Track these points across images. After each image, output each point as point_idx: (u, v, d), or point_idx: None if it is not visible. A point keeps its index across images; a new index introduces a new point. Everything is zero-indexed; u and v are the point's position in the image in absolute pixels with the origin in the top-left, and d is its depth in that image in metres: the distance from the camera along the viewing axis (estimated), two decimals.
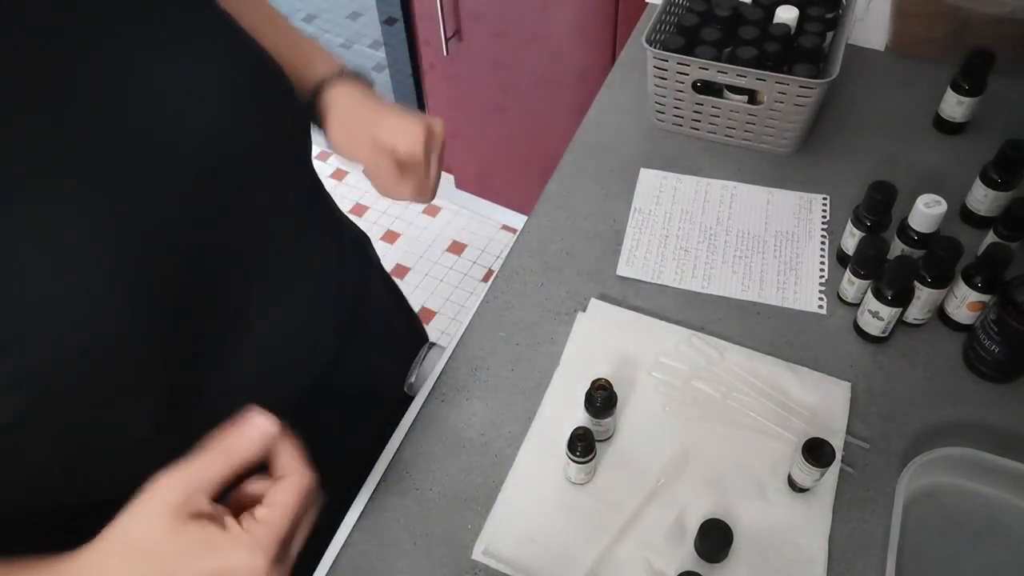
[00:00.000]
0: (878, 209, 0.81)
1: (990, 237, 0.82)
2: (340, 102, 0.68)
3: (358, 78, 0.71)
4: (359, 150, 0.68)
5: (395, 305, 0.87)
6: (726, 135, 0.99)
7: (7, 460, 0.47)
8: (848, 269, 0.81)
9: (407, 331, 0.88)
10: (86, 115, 0.46)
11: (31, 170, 0.43)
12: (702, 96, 0.96)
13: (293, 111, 0.63)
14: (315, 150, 0.68)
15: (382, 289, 0.83)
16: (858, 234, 0.82)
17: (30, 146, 0.43)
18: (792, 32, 0.97)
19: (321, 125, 0.69)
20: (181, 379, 0.54)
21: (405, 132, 0.66)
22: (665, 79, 0.96)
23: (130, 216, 0.46)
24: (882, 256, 0.78)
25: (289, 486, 0.42)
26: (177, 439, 0.54)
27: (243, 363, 0.59)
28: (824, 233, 0.90)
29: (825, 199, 0.94)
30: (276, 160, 0.59)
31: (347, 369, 0.71)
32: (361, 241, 0.79)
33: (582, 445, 0.67)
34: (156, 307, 0.48)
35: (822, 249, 0.89)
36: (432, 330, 1.99)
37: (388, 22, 1.79)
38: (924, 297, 0.77)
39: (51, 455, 0.49)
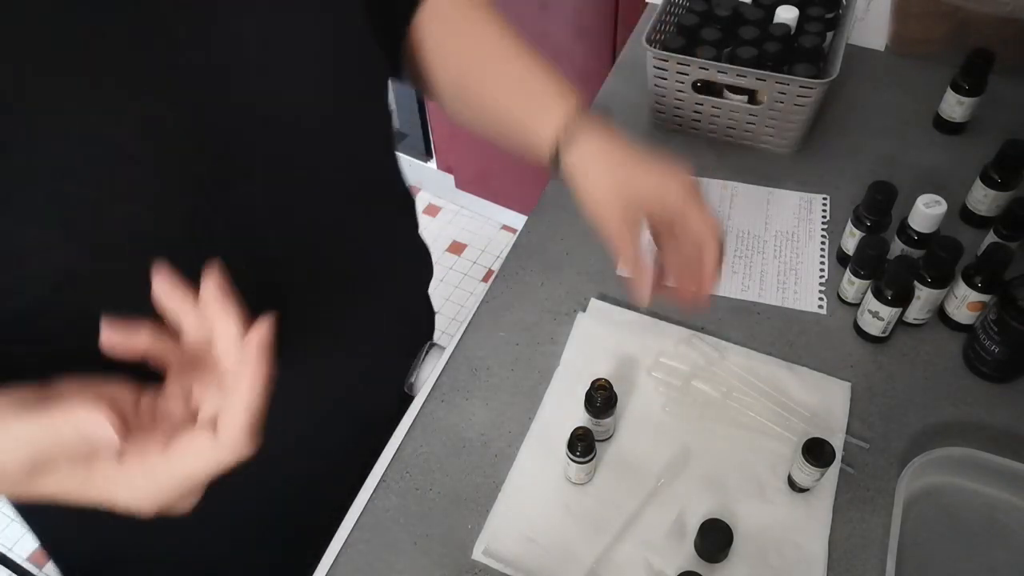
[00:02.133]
0: (878, 209, 0.81)
1: (990, 237, 0.82)
2: (587, 167, 0.61)
3: (597, 119, 0.63)
4: (609, 223, 0.61)
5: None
6: (726, 135, 0.99)
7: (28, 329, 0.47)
8: (848, 269, 0.81)
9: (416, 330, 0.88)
10: (174, 53, 0.45)
11: (112, 80, 0.43)
12: (702, 96, 0.96)
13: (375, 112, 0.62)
14: None
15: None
16: (858, 234, 0.82)
17: (114, 63, 0.43)
18: (792, 32, 0.97)
19: (569, 182, 0.63)
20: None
21: (656, 188, 0.60)
22: (665, 79, 0.96)
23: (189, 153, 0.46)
24: (882, 256, 0.78)
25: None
26: None
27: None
28: (824, 233, 0.90)
29: (825, 199, 0.94)
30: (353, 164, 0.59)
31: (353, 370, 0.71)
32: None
33: (582, 445, 0.67)
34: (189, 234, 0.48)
35: (822, 249, 0.89)
36: None
37: None
38: (924, 297, 0.77)
39: (68, 337, 0.49)
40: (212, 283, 0.41)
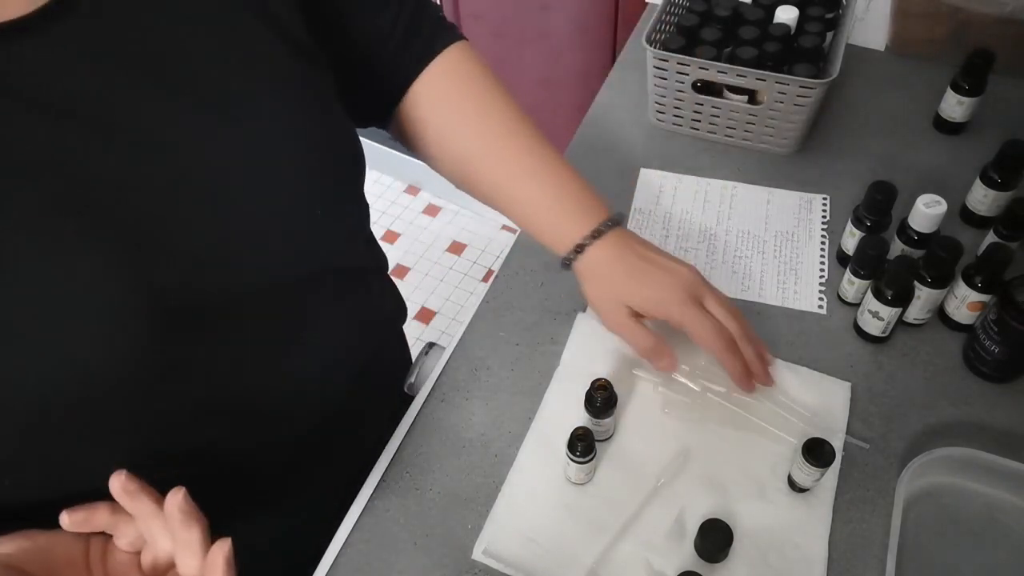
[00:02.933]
0: (878, 209, 0.81)
1: (990, 237, 0.82)
2: (593, 272, 0.67)
3: (619, 229, 0.67)
4: (614, 324, 0.67)
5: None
6: (726, 135, 0.99)
7: None
8: (848, 269, 0.81)
9: (400, 357, 0.88)
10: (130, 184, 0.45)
11: (64, 222, 0.42)
12: (702, 96, 0.96)
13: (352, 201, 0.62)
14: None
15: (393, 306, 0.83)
16: (858, 234, 0.82)
17: (54, 193, 0.42)
18: (792, 32, 0.97)
19: (577, 279, 0.68)
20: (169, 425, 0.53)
21: (657, 304, 0.65)
22: (665, 79, 0.96)
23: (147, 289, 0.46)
24: (882, 256, 0.78)
25: None
26: (158, 473, 0.55)
27: (240, 417, 0.59)
28: (824, 233, 0.90)
29: (825, 199, 0.94)
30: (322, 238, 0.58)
31: (347, 406, 0.71)
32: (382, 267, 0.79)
33: (582, 445, 0.67)
34: (159, 354, 0.48)
35: (822, 249, 0.89)
36: (432, 330, 2.00)
37: None
38: (924, 297, 0.77)
39: (35, 477, 0.49)
40: (176, 496, 0.42)
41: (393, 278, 0.80)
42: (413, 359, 0.84)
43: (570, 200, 0.67)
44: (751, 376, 0.69)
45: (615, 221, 0.67)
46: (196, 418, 0.54)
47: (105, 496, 0.46)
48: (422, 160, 0.72)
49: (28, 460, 0.48)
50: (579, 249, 0.65)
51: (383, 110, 0.69)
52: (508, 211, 0.69)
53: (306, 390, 0.63)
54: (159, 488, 0.44)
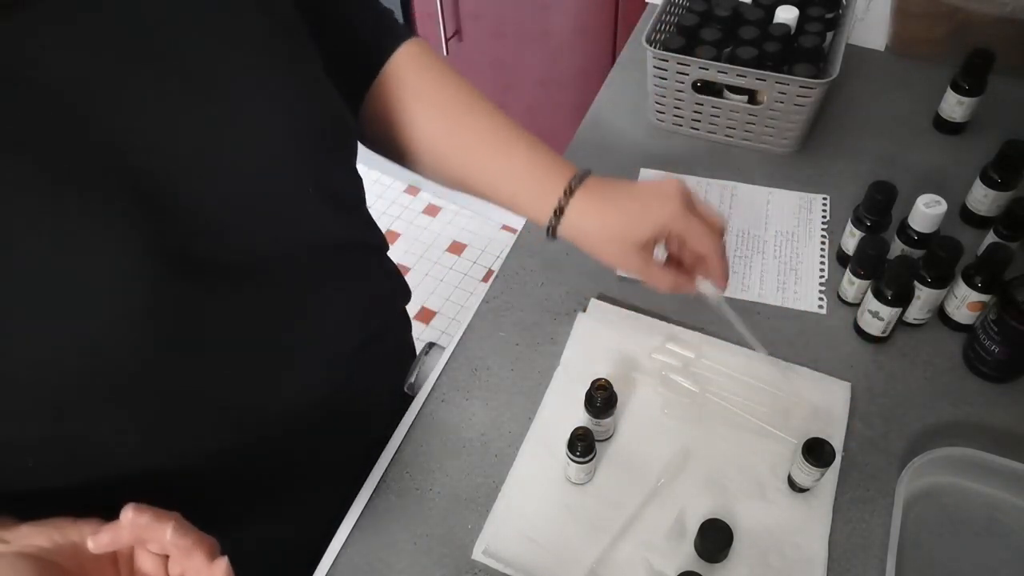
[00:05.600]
0: (878, 209, 0.81)
1: (990, 237, 0.82)
2: (581, 228, 0.65)
3: (588, 180, 0.66)
4: (633, 269, 0.66)
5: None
6: (726, 135, 0.99)
7: None
8: (848, 269, 0.81)
9: (404, 343, 0.88)
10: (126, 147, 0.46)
11: (63, 188, 0.43)
12: (702, 96, 0.96)
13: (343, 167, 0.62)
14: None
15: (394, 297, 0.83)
16: (858, 234, 0.82)
17: (56, 168, 0.43)
18: (792, 32, 0.97)
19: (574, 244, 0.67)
20: (174, 396, 0.54)
21: (663, 227, 0.63)
22: (665, 79, 0.96)
23: (147, 252, 0.46)
24: (882, 256, 0.78)
25: None
26: (167, 453, 0.55)
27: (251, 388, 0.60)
28: (824, 233, 0.90)
29: (825, 199, 0.94)
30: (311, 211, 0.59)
31: (347, 387, 0.71)
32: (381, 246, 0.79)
33: (582, 445, 0.67)
34: (162, 331, 0.48)
35: (822, 249, 0.89)
36: (432, 330, 2.00)
37: None
38: (924, 297, 0.77)
39: (35, 454, 0.50)
40: (165, 530, 0.44)
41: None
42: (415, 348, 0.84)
43: (539, 168, 0.67)
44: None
45: (583, 175, 0.66)
46: (202, 396, 0.55)
47: (127, 480, 0.47)
48: (392, 159, 0.73)
49: (48, 439, 0.49)
50: (559, 212, 0.65)
51: (354, 98, 0.69)
52: (483, 192, 0.69)
53: (308, 366, 0.63)
54: (171, 475, 0.46)
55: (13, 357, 0.43)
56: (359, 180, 0.67)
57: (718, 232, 0.65)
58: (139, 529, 0.44)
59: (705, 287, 0.68)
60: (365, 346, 0.70)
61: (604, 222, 0.64)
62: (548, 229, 0.66)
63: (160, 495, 0.46)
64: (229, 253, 0.52)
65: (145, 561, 0.46)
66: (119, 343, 0.46)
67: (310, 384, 0.65)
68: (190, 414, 0.55)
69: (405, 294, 0.81)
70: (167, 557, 0.47)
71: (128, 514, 0.44)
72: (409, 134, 0.69)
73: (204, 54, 0.49)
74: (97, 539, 0.44)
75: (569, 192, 0.64)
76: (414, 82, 0.68)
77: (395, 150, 0.71)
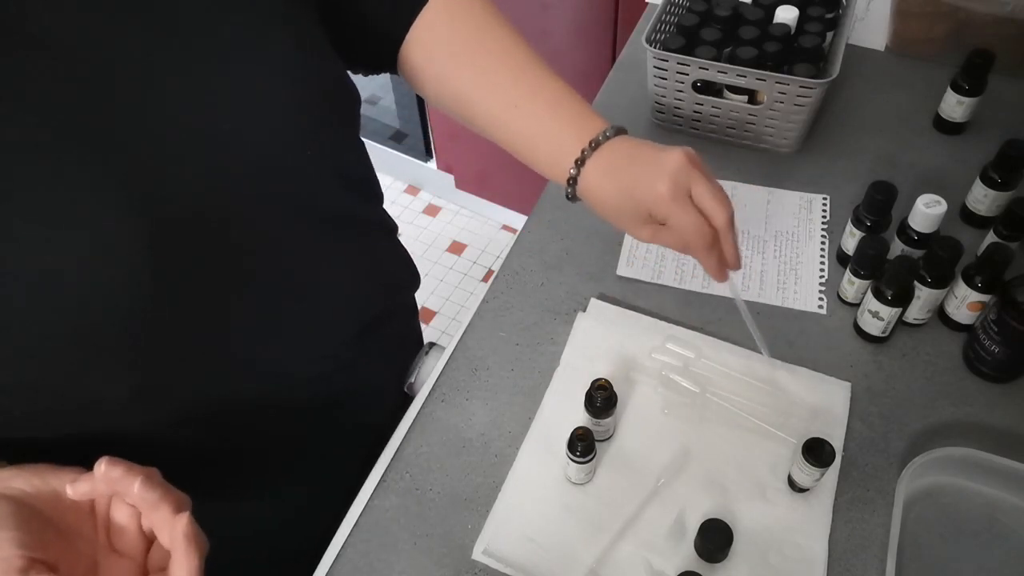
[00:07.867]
0: (878, 209, 0.81)
1: (990, 237, 0.82)
2: (593, 191, 0.63)
3: (618, 138, 0.63)
4: (647, 239, 0.64)
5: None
6: (726, 135, 0.99)
7: None
8: (848, 269, 0.81)
9: (409, 331, 0.88)
10: (119, 107, 0.46)
11: (51, 144, 0.43)
12: (702, 96, 0.96)
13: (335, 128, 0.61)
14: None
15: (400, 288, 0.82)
16: (858, 234, 0.82)
17: (56, 124, 0.44)
18: (792, 32, 0.97)
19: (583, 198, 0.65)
20: (167, 354, 0.54)
21: (649, 205, 0.61)
22: (665, 79, 0.96)
23: (143, 203, 0.46)
24: (882, 256, 0.78)
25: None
26: (158, 412, 0.55)
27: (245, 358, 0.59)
28: (824, 233, 0.90)
29: (825, 199, 0.94)
30: (307, 180, 0.58)
31: (350, 369, 0.71)
32: (391, 229, 0.78)
33: (582, 445, 0.67)
34: (157, 283, 0.48)
35: (822, 249, 0.89)
36: (432, 330, 2.00)
37: None
38: (924, 297, 0.77)
39: (24, 406, 0.50)
40: (134, 483, 0.44)
41: None
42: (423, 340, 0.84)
43: (565, 118, 0.63)
44: (726, 267, 0.65)
45: (616, 130, 0.62)
46: (195, 359, 0.55)
47: (113, 437, 0.48)
48: (432, 103, 0.71)
49: (37, 390, 0.49)
50: (580, 163, 0.62)
51: (387, 57, 0.68)
52: (507, 142, 0.67)
53: (307, 340, 0.63)
54: (160, 436, 0.47)
55: (2, 303, 0.43)
56: (365, 156, 0.66)
57: (718, 214, 0.61)
58: (111, 482, 0.44)
59: (732, 277, 0.65)
60: (370, 328, 0.70)
61: (616, 186, 0.61)
62: (568, 188, 0.63)
63: (146, 454, 0.47)
64: (227, 216, 0.52)
65: (121, 513, 0.47)
66: (109, 297, 0.46)
67: (310, 358, 0.64)
68: (180, 376, 0.55)
69: (414, 280, 0.81)
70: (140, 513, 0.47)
71: (101, 467, 0.44)
72: (438, 88, 0.67)
73: (202, 16, 0.49)
74: (76, 487, 0.45)
75: (595, 145, 0.61)
76: (444, 35, 0.65)
77: (431, 100, 0.70)
